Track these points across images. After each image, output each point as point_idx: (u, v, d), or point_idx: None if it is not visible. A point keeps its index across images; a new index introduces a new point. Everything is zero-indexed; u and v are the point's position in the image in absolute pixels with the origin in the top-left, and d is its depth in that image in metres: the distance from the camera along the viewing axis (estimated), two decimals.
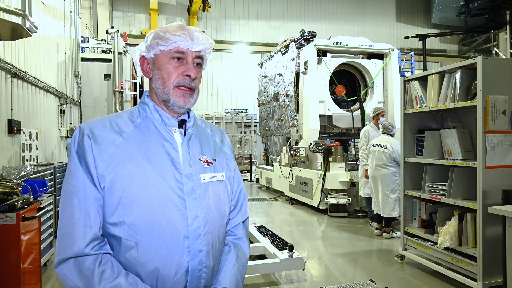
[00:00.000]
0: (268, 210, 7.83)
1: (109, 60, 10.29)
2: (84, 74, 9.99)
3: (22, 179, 3.86)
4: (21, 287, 2.89)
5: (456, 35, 20.58)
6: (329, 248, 5.11)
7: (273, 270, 3.92)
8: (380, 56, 8.86)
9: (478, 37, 19.97)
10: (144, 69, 1.25)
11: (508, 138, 3.35)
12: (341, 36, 8.67)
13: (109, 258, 1.09)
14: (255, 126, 16.53)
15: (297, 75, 8.85)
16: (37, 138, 6.12)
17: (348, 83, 9.04)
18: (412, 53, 13.59)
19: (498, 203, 3.17)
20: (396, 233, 5.46)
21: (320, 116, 8.28)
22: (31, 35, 3.79)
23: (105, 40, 11.65)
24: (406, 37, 19.80)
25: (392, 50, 8.73)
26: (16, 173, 3.83)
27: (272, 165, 10.12)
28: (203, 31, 1.25)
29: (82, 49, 10.38)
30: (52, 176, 5.38)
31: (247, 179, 13.08)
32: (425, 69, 18.22)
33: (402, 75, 9.36)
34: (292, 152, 8.49)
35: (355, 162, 7.36)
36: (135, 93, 10.50)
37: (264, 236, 4.54)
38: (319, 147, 7.25)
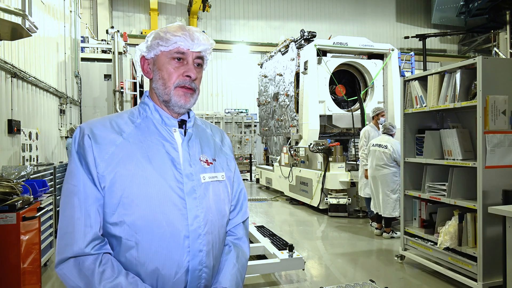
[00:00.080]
0: (268, 210, 7.83)
1: (109, 60, 10.29)
2: (84, 74, 9.99)
3: (22, 179, 3.86)
4: (21, 287, 2.89)
5: (456, 35, 20.58)
6: (329, 248, 5.11)
7: (273, 270, 3.92)
8: (380, 56, 8.86)
9: (478, 37, 19.97)
10: (145, 69, 1.25)
11: (508, 138, 3.35)
12: (341, 36, 8.68)
13: (109, 258, 1.09)
14: (255, 126, 16.53)
15: (297, 75, 8.85)
16: (37, 138, 6.12)
17: (348, 83, 9.04)
18: (412, 53, 13.59)
19: (498, 203, 3.17)
20: (396, 233, 5.46)
21: (320, 116, 8.28)
22: (31, 35, 3.79)
23: (105, 40, 11.65)
24: (406, 37, 19.80)
25: (392, 50, 8.74)
26: (16, 173, 3.83)
27: (272, 165, 10.12)
28: (203, 31, 1.25)
29: (82, 49, 10.38)
30: (52, 176, 5.38)
31: (247, 179, 13.08)
32: (425, 69, 18.22)
33: (402, 75, 9.36)
34: (292, 152, 8.49)
35: (355, 162, 7.36)
36: (135, 93, 10.50)
37: (264, 236, 4.54)
38: (319, 147, 7.25)
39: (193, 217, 1.15)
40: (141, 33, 16.62)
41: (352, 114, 8.39)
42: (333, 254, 4.87)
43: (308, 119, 8.16)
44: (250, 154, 14.81)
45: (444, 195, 3.72)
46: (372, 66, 8.70)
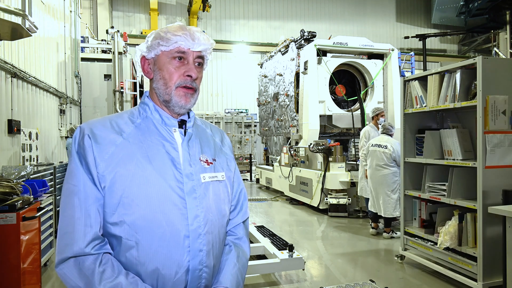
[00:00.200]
0: (268, 210, 7.83)
1: (109, 60, 10.29)
2: (84, 74, 9.99)
3: (22, 179, 3.86)
4: (21, 287, 2.89)
5: (456, 35, 20.58)
6: (329, 248, 5.11)
7: (273, 270, 3.92)
8: (380, 56, 8.86)
9: (478, 37, 19.97)
10: (145, 69, 1.25)
11: (508, 138, 3.35)
12: (341, 36, 8.68)
13: (109, 257, 1.09)
14: (255, 126, 16.53)
15: (297, 75, 8.85)
16: (37, 138, 6.12)
17: (348, 83, 9.04)
18: (412, 53, 13.59)
19: (498, 203, 3.17)
20: (396, 233, 5.46)
21: (320, 116, 8.28)
22: (31, 35, 3.79)
23: (105, 40, 11.65)
24: (406, 37, 19.80)
25: (392, 50, 8.74)
26: (16, 173, 3.83)
27: (272, 165, 10.12)
28: (204, 31, 1.25)
29: (82, 49, 10.38)
30: (52, 176, 5.38)
31: (247, 179, 13.08)
32: (425, 69, 18.22)
33: (402, 75, 9.36)
34: (292, 152, 8.49)
35: (355, 162, 7.36)
36: (135, 93, 10.50)
37: (264, 236, 4.54)
38: (319, 147, 7.25)
39: (193, 216, 1.15)
40: (141, 33, 16.62)
41: (352, 114, 8.39)
42: (333, 254, 4.87)
43: (308, 119, 8.17)
44: (250, 154, 14.81)
45: (444, 195, 3.72)
46: (372, 66, 8.70)
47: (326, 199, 6.94)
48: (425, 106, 3.97)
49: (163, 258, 1.11)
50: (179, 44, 1.17)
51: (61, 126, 7.88)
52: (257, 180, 11.53)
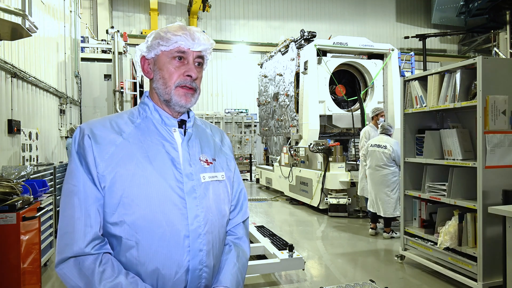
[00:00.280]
0: (268, 210, 7.83)
1: (109, 60, 10.29)
2: (84, 74, 9.99)
3: (22, 179, 3.86)
4: (21, 287, 2.89)
5: (456, 35, 20.58)
6: (329, 248, 5.11)
7: (273, 270, 3.92)
8: (380, 56, 8.86)
9: (478, 37, 19.98)
10: (145, 69, 1.25)
11: (508, 138, 3.35)
12: (341, 36, 8.68)
13: (109, 257, 1.09)
14: (255, 126, 16.53)
15: (297, 75, 8.85)
16: (37, 138, 6.12)
17: (348, 83, 9.04)
18: (412, 53, 13.59)
19: (498, 203, 3.17)
20: (396, 233, 5.46)
21: (320, 116, 8.28)
22: (31, 35, 3.79)
23: (105, 40, 11.65)
24: (406, 37, 19.80)
25: (392, 50, 8.74)
26: (16, 173, 3.83)
27: (272, 165, 10.12)
28: (203, 31, 1.25)
29: (82, 49, 10.38)
30: (52, 176, 5.38)
31: (247, 179, 13.08)
32: (425, 69, 18.22)
33: (402, 75, 9.36)
34: (292, 152, 8.49)
35: (355, 162, 7.36)
36: (135, 93, 10.50)
37: (264, 236, 4.54)
38: (319, 147, 7.25)
39: (193, 216, 1.15)
40: (141, 33, 16.62)
41: (352, 114, 8.39)
42: (333, 254, 4.87)
43: (308, 119, 8.17)
44: (250, 154, 14.81)
45: (444, 195, 3.72)
46: (372, 66, 8.70)
47: (326, 199, 6.94)
48: (425, 106, 3.97)
49: (163, 258, 1.11)
50: (179, 44, 1.17)
51: (61, 126, 7.88)
52: (257, 180, 11.53)
